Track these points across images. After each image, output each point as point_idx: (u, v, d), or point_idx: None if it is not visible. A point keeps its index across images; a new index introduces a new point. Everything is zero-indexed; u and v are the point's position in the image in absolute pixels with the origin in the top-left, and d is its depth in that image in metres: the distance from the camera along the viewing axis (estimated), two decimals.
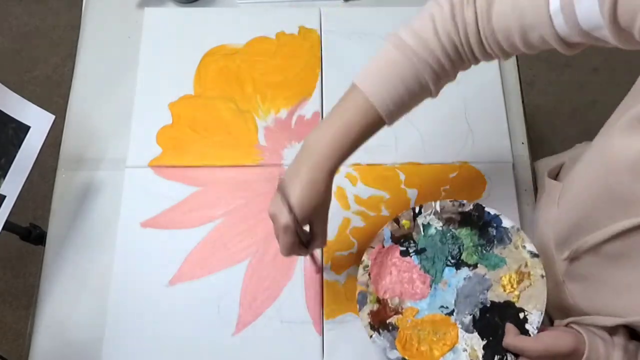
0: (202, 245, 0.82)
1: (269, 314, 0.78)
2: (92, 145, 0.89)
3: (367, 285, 0.72)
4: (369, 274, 0.73)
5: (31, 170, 0.79)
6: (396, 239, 0.75)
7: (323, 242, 0.66)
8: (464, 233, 0.75)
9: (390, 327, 0.71)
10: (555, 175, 0.80)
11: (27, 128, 0.80)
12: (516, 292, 0.71)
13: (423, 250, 0.75)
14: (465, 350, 0.69)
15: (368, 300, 0.71)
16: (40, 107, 0.81)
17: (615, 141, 0.54)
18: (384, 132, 0.90)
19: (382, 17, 0.98)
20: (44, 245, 0.83)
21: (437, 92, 0.63)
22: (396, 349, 0.69)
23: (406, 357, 0.68)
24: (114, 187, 0.86)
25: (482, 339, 0.69)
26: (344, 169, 0.87)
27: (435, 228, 0.75)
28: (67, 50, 1.84)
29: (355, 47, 0.96)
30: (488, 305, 0.71)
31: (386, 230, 0.74)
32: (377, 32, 0.97)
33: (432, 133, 0.90)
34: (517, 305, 0.70)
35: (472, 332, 0.70)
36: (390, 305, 0.73)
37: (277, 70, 0.94)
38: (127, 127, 0.89)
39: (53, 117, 0.82)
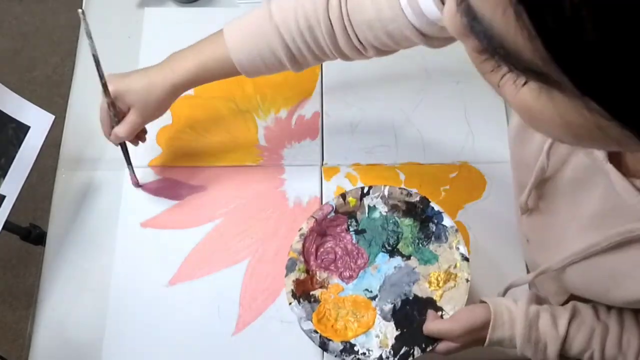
0: (202, 245, 0.82)
1: (269, 314, 0.78)
2: (92, 145, 0.89)
3: (299, 254, 0.73)
4: (304, 244, 0.73)
5: (31, 170, 0.79)
6: (339, 214, 0.76)
7: (125, 134, 0.72)
8: (406, 223, 0.75)
9: (312, 299, 0.72)
10: None
11: (27, 128, 0.80)
12: (439, 292, 0.71)
13: (363, 231, 0.76)
14: (377, 336, 0.70)
15: (296, 268, 0.72)
16: (40, 107, 0.81)
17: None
18: (384, 132, 0.91)
19: None
20: (44, 245, 0.83)
21: (298, 70, 0.69)
22: (311, 320, 0.70)
23: (318, 331, 0.69)
24: (114, 187, 0.86)
25: (397, 329, 0.70)
26: (344, 169, 0.87)
27: (380, 212, 0.76)
28: (67, 50, 1.84)
29: None
30: (410, 297, 0.72)
31: (331, 203, 0.75)
32: None
33: (432, 133, 0.90)
34: (438, 304, 0.71)
35: (389, 321, 0.71)
36: (317, 278, 0.74)
37: None
38: None
39: (53, 117, 0.82)
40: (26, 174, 0.79)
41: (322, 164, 0.88)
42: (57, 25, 1.89)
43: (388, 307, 0.72)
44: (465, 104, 0.91)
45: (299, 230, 0.74)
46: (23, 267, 1.58)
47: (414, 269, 0.74)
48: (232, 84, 0.93)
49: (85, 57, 0.96)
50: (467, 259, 0.71)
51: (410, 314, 0.71)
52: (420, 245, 0.75)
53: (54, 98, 1.75)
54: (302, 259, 0.73)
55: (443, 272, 0.72)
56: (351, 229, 0.76)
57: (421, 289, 0.72)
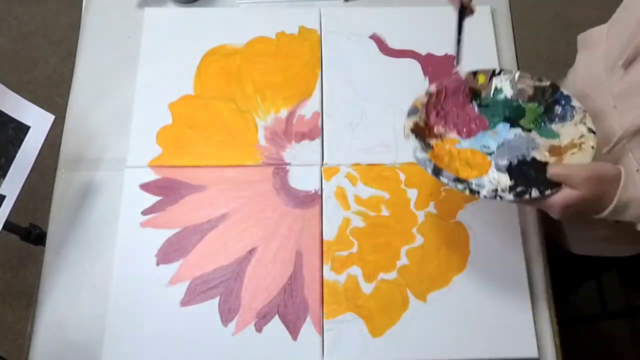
0: (202, 245, 0.82)
1: (269, 314, 0.78)
2: (92, 145, 0.89)
3: (422, 106, 0.74)
4: (428, 100, 0.74)
5: (31, 170, 0.79)
6: (466, 89, 0.76)
7: None
8: (530, 107, 0.76)
9: (428, 146, 0.72)
10: None
11: (27, 128, 0.80)
12: (561, 159, 0.70)
13: (486, 106, 0.76)
14: (491, 182, 0.68)
15: (418, 116, 0.73)
16: (40, 107, 0.81)
17: None
18: (384, 132, 0.91)
19: (382, 17, 0.98)
20: (44, 245, 0.83)
21: None
22: (426, 152, 0.69)
23: (433, 160, 0.68)
24: (114, 187, 0.86)
25: (511, 181, 0.68)
26: (344, 169, 0.87)
27: (505, 95, 0.76)
28: (67, 50, 1.84)
29: (355, 47, 0.96)
30: (528, 159, 0.71)
31: (461, 75, 0.76)
32: (377, 32, 0.97)
33: None
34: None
35: (504, 173, 0.69)
36: (434, 131, 0.74)
37: (277, 70, 0.94)
38: (127, 127, 0.89)
39: (53, 117, 0.82)
40: (26, 174, 0.79)
41: (322, 164, 0.88)
42: (57, 25, 1.89)
43: (504, 162, 0.71)
44: None
45: (427, 88, 0.75)
46: (23, 267, 1.58)
47: (534, 139, 0.73)
48: (232, 84, 0.93)
49: (85, 57, 0.96)
50: (594, 132, 0.69)
51: (527, 172, 0.69)
52: (543, 123, 0.74)
53: (54, 98, 1.75)
54: (424, 110, 0.74)
55: (565, 145, 0.71)
56: (474, 103, 0.76)
57: (541, 155, 0.71)
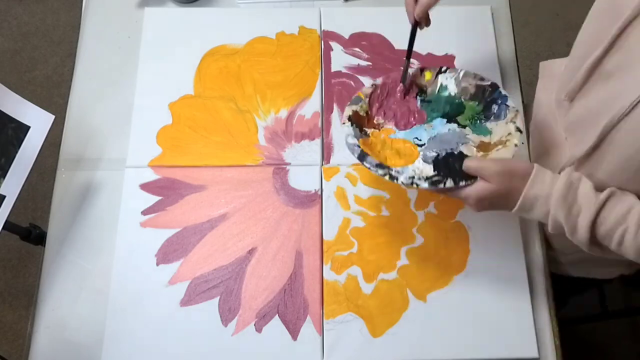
0: (202, 245, 0.82)
1: (269, 314, 0.78)
2: (92, 145, 0.89)
3: (366, 96, 0.78)
4: (373, 91, 0.79)
5: (31, 170, 0.79)
6: (413, 84, 0.80)
7: None
8: (470, 105, 0.79)
9: (364, 134, 0.76)
10: None
11: (27, 128, 0.80)
12: (487, 155, 0.72)
13: (429, 101, 0.80)
14: (414, 170, 0.71)
15: (359, 105, 0.77)
16: (40, 107, 0.81)
17: None
18: None
19: (382, 17, 0.98)
20: (44, 245, 0.83)
21: None
22: (359, 139, 0.73)
23: (361, 146, 0.72)
24: (114, 187, 0.86)
25: (434, 171, 0.71)
26: (343, 168, 0.87)
27: (449, 93, 0.80)
28: (67, 50, 1.84)
29: (355, 47, 0.96)
30: (456, 152, 0.73)
31: (410, 71, 0.79)
32: (377, 32, 0.97)
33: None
34: None
35: (429, 164, 0.72)
36: (374, 121, 0.79)
37: (277, 70, 0.94)
38: (127, 127, 0.89)
39: (53, 117, 0.82)
40: (26, 174, 0.79)
41: (322, 164, 0.88)
42: (57, 25, 1.89)
43: (432, 154, 0.74)
44: None
45: (374, 81, 0.80)
46: (23, 267, 1.58)
47: (466, 135, 0.76)
48: (232, 84, 0.93)
49: (85, 57, 0.96)
50: (520, 131, 0.72)
51: (452, 165, 0.71)
52: (479, 121, 0.77)
53: (54, 98, 1.75)
54: (367, 101, 0.78)
55: (494, 142, 0.74)
56: (419, 98, 0.80)
57: (468, 150, 0.74)
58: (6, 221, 0.75)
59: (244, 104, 0.91)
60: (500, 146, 0.72)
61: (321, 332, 0.78)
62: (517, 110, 0.74)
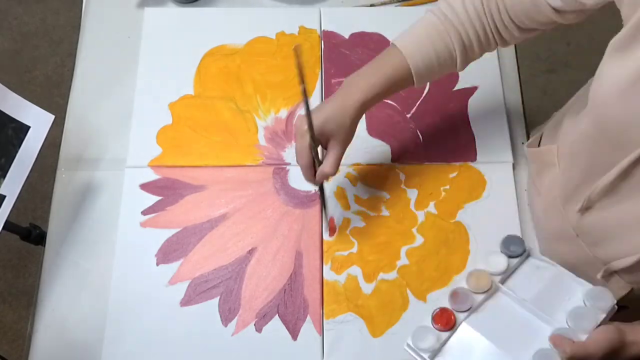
0: (202, 245, 0.82)
1: (269, 314, 0.78)
2: (92, 145, 0.89)
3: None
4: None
5: (31, 170, 0.79)
6: None
7: (333, 169, 0.71)
8: None
9: None
10: (537, 145, 0.81)
11: (27, 128, 0.80)
12: None
13: None
14: None
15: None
16: (40, 107, 0.81)
17: (604, 70, 0.54)
18: (384, 132, 0.90)
19: (382, 17, 0.98)
20: (44, 245, 0.83)
21: (462, 65, 0.71)
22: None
23: None
24: (114, 187, 0.86)
25: None
26: (344, 169, 0.87)
27: None
28: (67, 50, 1.84)
29: (355, 47, 0.96)
30: None
31: None
32: (377, 32, 0.97)
33: (432, 133, 0.90)
34: None
35: None
36: None
37: (277, 70, 0.94)
38: (127, 127, 0.89)
39: (53, 117, 0.82)
40: (26, 174, 0.79)
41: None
42: (57, 25, 1.89)
43: None
44: (466, 104, 0.91)
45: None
46: (23, 267, 1.58)
47: None
48: (232, 84, 0.93)
49: (85, 57, 0.96)
50: None
51: None
52: None
53: (54, 98, 1.75)
54: None
55: None
56: None
57: None
58: (6, 221, 0.75)
59: (244, 104, 0.91)
60: None
61: (321, 332, 0.78)
62: None
